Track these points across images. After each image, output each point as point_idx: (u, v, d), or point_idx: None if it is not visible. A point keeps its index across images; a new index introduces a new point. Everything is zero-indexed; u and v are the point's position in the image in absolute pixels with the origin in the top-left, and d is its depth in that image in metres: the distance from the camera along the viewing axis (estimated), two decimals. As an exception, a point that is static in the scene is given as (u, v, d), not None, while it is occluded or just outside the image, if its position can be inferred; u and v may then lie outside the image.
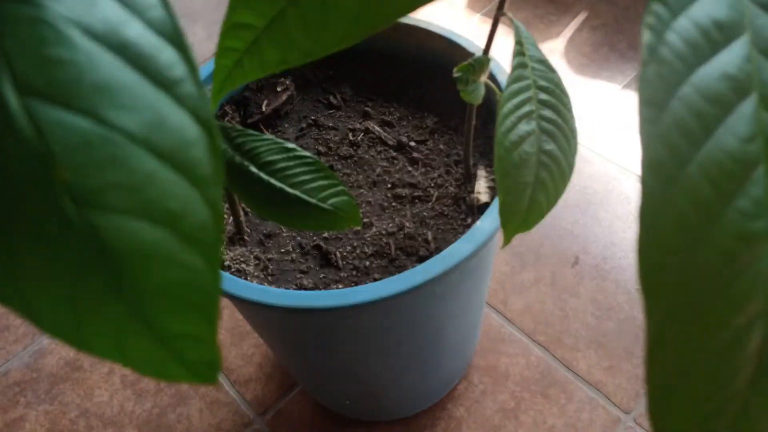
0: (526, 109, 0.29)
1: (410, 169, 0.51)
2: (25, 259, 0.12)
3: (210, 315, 0.13)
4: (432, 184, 0.49)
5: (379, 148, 0.52)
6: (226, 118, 0.54)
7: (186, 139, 0.13)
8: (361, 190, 0.50)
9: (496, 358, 0.70)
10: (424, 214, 0.48)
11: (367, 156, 0.52)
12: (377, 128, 0.53)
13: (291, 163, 0.34)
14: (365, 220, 0.48)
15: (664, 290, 0.13)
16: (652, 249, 0.13)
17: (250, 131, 0.35)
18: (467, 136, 0.44)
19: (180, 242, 0.12)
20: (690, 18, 0.14)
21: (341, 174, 0.51)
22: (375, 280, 0.44)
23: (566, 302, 0.72)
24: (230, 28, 0.21)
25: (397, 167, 0.51)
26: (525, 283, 0.75)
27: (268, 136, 0.35)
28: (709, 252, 0.13)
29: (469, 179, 0.48)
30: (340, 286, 0.44)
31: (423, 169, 0.50)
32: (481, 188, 0.46)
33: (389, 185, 0.50)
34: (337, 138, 0.53)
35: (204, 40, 1.10)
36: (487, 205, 0.46)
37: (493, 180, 0.47)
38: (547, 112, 0.29)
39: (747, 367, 0.15)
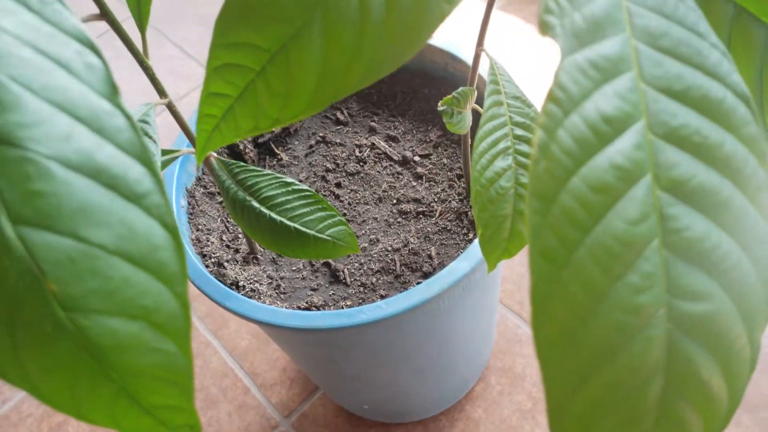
0: (501, 145, 0.31)
1: (414, 184, 0.53)
2: (30, 352, 0.15)
3: (186, 389, 0.16)
4: (436, 199, 0.52)
5: (384, 164, 0.55)
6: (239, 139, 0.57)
7: (154, 244, 0.16)
8: (368, 206, 0.53)
9: (512, 359, 0.72)
10: (428, 229, 0.50)
11: (373, 172, 0.54)
12: (383, 144, 0.56)
13: (290, 197, 0.37)
14: (372, 236, 0.51)
15: (559, 362, 0.15)
16: (545, 327, 0.15)
17: (252, 167, 0.38)
18: (465, 154, 0.47)
19: (154, 332, 0.15)
20: (581, 115, 0.16)
21: (349, 190, 0.54)
22: (381, 296, 0.47)
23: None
24: (207, 96, 0.24)
25: (402, 182, 0.53)
26: (542, 283, 0.76)
27: (267, 171, 0.38)
28: (599, 326, 0.15)
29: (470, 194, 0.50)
30: (349, 303, 0.47)
31: (427, 184, 0.53)
32: (482, 203, 0.48)
33: (395, 201, 0.53)
34: (344, 154, 0.56)
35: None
36: (486, 220, 0.48)
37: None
38: (524, 147, 0.32)
39: (649, 417, 0.17)
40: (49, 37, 0.15)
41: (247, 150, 0.57)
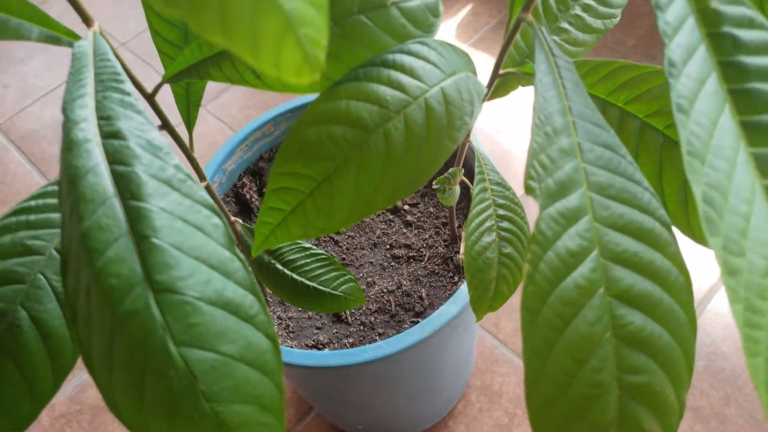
0: (487, 224, 0.38)
1: (405, 231, 0.60)
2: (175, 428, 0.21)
3: (280, 447, 0.23)
4: (424, 245, 0.59)
5: (378, 213, 0.62)
6: (245, 189, 0.64)
7: (261, 350, 0.22)
8: (364, 251, 0.60)
9: (491, 377, 0.80)
10: (419, 272, 0.57)
11: (367, 220, 0.62)
12: (375, 194, 0.63)
13: (309, 260, 0.44)
14: (369, 278, 0.58)
15: (545, 421, 0.22)
16: (535, 399, 0.22)
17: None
18: (450, 210, 0.54)
19: (262, 411, 0.22)
20: (554, 252, 0.23)
21: (346, 236, 0.61)
22: (380, 334, 0.54)
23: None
24: (266, 209, 0.31)
25: (394, 229, 0.61)
26: (515, 305, 0.84)
27: (287, 237, 0.44)
28: (572, 396, 0.23)
29: (455, 240, 0.58)
30: (351, 340, 0.54)
31: (416, 231, 0.60)
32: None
33: (388, 246, 0.60)
34: (341, 204, 0.63)
35: (209, 80, 1.19)
36: (470, 266, 0.55)
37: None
38: (505, 224, 0.39)
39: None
40: (189, 208, 0.22)
41: (252, 199, 0.63)
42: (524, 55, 0.40)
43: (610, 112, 0.35)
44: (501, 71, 0.35)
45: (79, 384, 0.89)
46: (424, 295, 0.56)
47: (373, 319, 0.56)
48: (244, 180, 0.64)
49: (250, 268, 0.23)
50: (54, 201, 0.30)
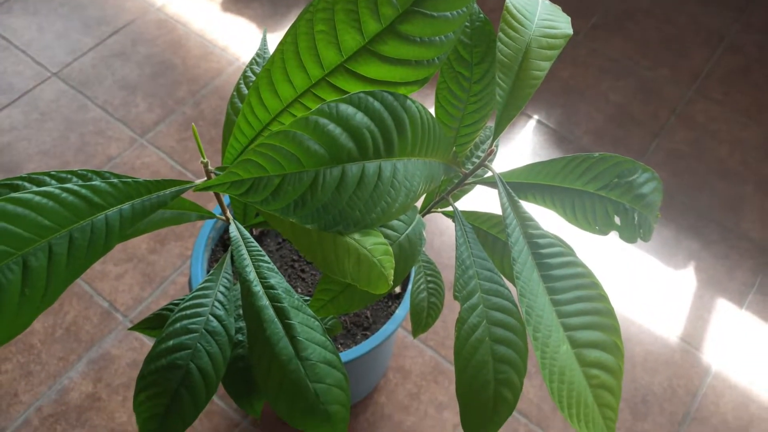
0: (422, 286, 0.68)
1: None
2: (300, 415, 0.49)
3: None
4: (365, 279, 0.88)
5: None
6: (228, 233, 0.89)
7: (341, 380, 0.51)
8: (323, 284, 0.88)
9: (403, 359, 1.11)
10: (363, 299, 0.87)
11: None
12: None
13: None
14: (328, 304, 0.86)
15: (467, 393, 0.53)
16: (463, 384, 0.52)
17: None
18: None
19: (343, 409, 0.50)
20: (467, 323, 0.53)
21: (310, 274, 0.88)
22: (340, 343, 0.83)
23: (447, 317, 1.15)
24: (320, 290, 0.59)
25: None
26: (419, 306, 1.16)
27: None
28: (478, 380, 0.53)
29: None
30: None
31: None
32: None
33: (339, 280, 0.88)
34: (302, 249, 0.90)
35: (145, 111, 1.38)
36: (400, 294, 0.85)
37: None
38: (432, 285, 0.69)
39: (490, 402, 0.56)
40: (306, 319, 0.49)
41: (236, 248, 0.89)
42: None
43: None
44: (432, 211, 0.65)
45: (60, 389, 1.09)
46: (369, 315, 0.85)
47: (334, 333, 0.84)
48: (225, 239, 0.89)
49: (332, 341, 0.51)
50: (199, 301, 0.55)
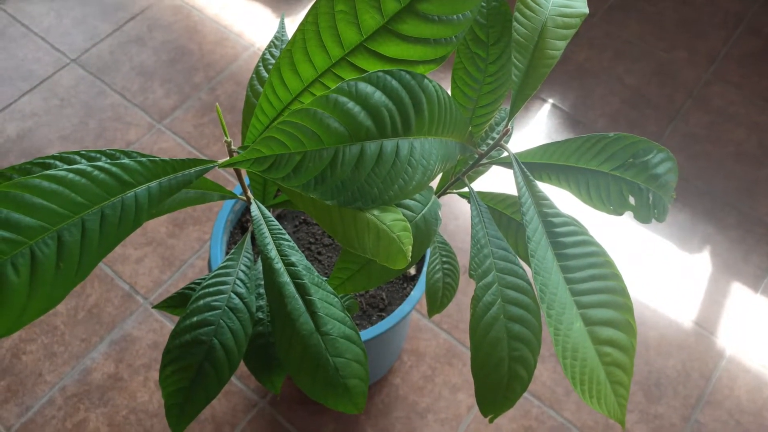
0: (437, 266, 0.69)
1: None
2: (319, 384, 0.51)
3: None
4: (381, 261, 0.90)
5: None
6: (246, 215, 0.91)
7: (360, 354, 0.52)
8: (339, 266, 0.90)
9: (417, 342, 1.13)
10: (379, 280, 0.88)
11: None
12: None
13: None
14: (344, 286, 0.88)
15: (482, 369, 0.54)
16: (478, 361, 0.54)
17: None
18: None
19: (362, 383, 0.52)
20: (482, 301, 0.55)
21: (326, 256, 0.90)
22: (357, 324, 0.85)
23: (461, 301, 1.17)
24: (338, 269, 0.60)
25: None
26: (434, 289, 1.18)
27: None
28: (494, 358, 0.55)
29: (402, 257, 0.89)
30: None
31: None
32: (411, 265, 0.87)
33: (355, 262, 0.90)
34: (320, 231, 0.92)
35: (162, 96, 1.40)
36: (415, 276, 0.87)
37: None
38: (447, 265, 0.70)
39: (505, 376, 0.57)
40: (326, 296, 0.51)
41: (254, 230, 0.90)
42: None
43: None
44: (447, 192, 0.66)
45: (83, 369, 1.12)
46: (384, 297, 0.87)
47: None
48: (248, 216, 0.91)
49: (351, 318, 0.53)
50: (221, 279, 0.57)
